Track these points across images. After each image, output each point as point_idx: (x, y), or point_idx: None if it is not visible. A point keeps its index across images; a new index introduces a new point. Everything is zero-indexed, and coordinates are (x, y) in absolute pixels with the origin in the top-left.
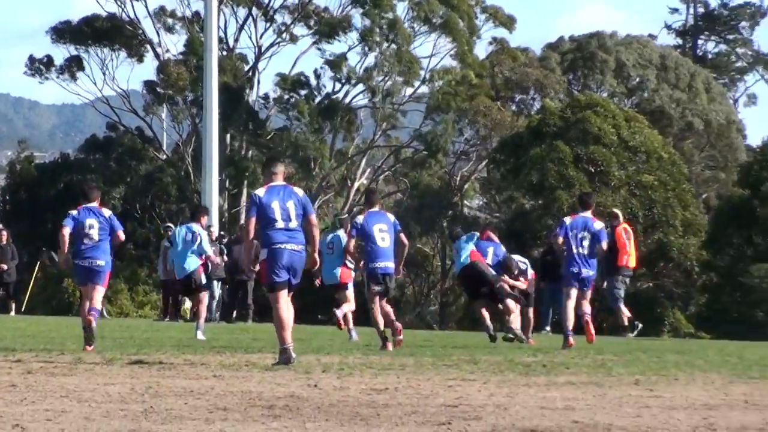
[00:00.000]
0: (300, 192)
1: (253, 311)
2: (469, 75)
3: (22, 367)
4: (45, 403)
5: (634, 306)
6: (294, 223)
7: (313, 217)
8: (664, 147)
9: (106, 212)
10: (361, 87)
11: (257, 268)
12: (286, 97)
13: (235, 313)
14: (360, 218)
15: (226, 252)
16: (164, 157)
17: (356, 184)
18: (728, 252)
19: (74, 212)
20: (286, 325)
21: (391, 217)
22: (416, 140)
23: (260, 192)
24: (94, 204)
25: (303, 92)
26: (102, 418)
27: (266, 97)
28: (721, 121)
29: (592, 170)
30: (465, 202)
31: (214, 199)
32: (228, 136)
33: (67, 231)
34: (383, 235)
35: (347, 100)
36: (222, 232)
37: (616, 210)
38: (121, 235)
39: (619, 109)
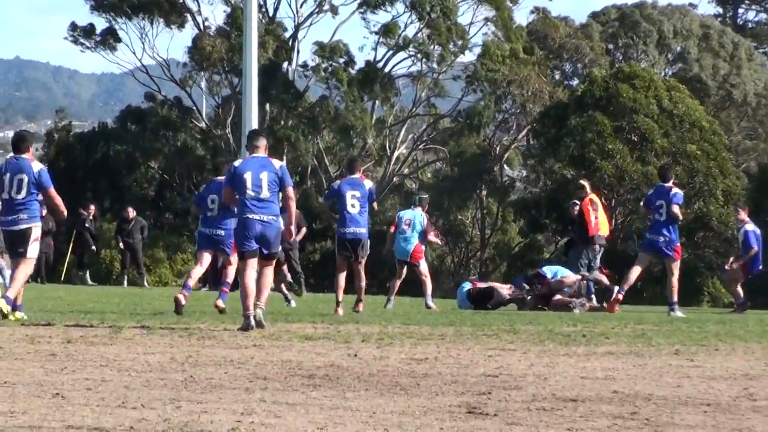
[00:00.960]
0: (278, 164)
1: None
2: (518, 49)
3: (62, 336)
4: (85, 372)
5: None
6: (266, 194)
7: (290, 190)
8: (705, 116)
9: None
10: (402, 55)
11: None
12: (325, 65)
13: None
14: (337, 182)
15: None
16: (203, 126)
17: (396, 153)
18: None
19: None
20: (250, 293)
21: (368, 184)
22: (457, 114)
23: (236, 162)
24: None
25: (342, 60)
26: (142, 388)
27: (305, 65)
28: (761, 91)
29: (635, 139)
30: (505, 170)
31: None
32: (267, 105)
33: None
34: (354, 201)
35: (387, 68)
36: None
37: (583, 182)
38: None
39: (662, 80)
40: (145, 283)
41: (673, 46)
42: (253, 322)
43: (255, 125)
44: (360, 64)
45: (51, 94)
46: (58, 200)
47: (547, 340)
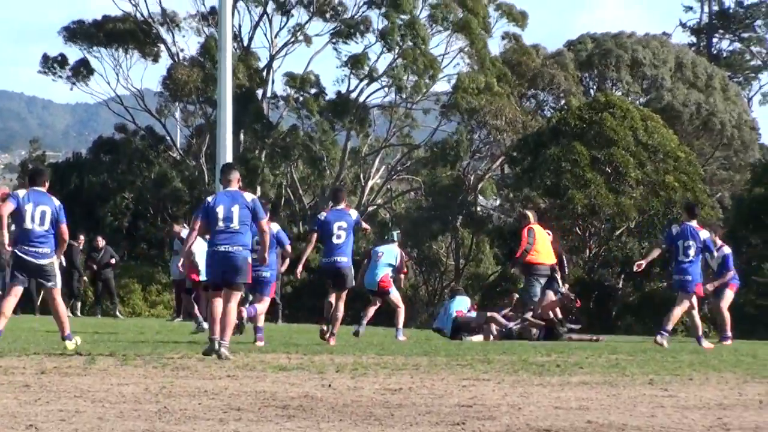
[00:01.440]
0: (249, 197)
1: (282, 309)
2: (492, 83)
3: (36, 367)
4: (59, 403)
5: (648, 307)
6: (235, 225)
7: (263, 223)
8: (680, 146)
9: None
10: (375, 86)
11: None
12: (296, 95)
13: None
14: (323, 214)
15: None
16: (177, 156)
17: (370, 183)
18: (742, 251)
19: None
20: (216, 319)
21: (354, 214)
22: (431, 145)
23: (210, 198)
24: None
25: (312, 91)
26: (116, 419)
27: (275, 96)
28: (734, 120)
29: (609, 171)
30: (479, 200)
31: None
32: (241, 135)
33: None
34: (340, 232)
35: (361, 98)
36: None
37: (526, 211)
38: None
39: (636, 108)
40: (118, 314)
41: (648, 73)
42: (217, 346)
43: (229, 155)
44: (333, 95)
45: (25, 124)
46: (66, 235)
47: (521, 369)
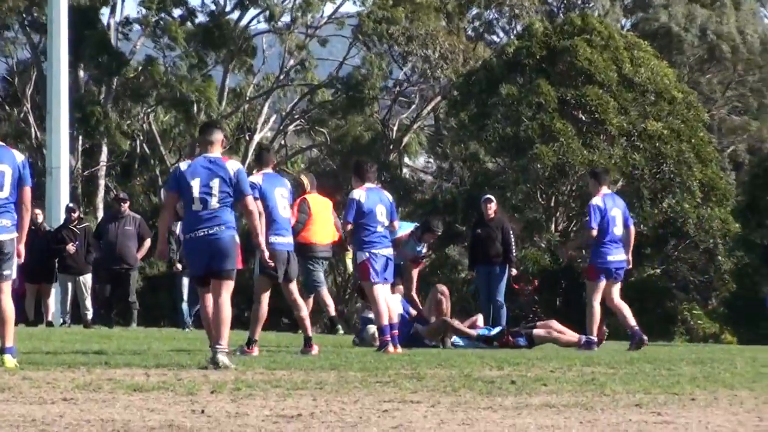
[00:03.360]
0: (233, 168)
1: (138, 311)
2: None
3: None
4: None
5: (638, 301)
6: (215, 204)
7: (249, 200)
8: (676, 84)
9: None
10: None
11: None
12: (154, 19)
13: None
14: (257, 178)
15: (93, 235)
16: None
17: (257, 137)
18: (766, 223)
19: None
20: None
21: (288, 183)
22: (336, 81)
23: (183, 165)
24: None
25: (178, 13)
26: None
27: (127, 20)
28: (752, 47)
29: (583, 118)
30: (406, 160)
31: (63, 159)
32: (80, 71)
33: None
34: (285, 203)
35: (243, 22)
36: (71, 205)
37: (303, 177)
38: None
39: (619, 33)
40: None
41: None
42: (212, 353)
43: (65, 98)
44: (204, 19)
45: None
46: (29, 202)
47: (463, 388)
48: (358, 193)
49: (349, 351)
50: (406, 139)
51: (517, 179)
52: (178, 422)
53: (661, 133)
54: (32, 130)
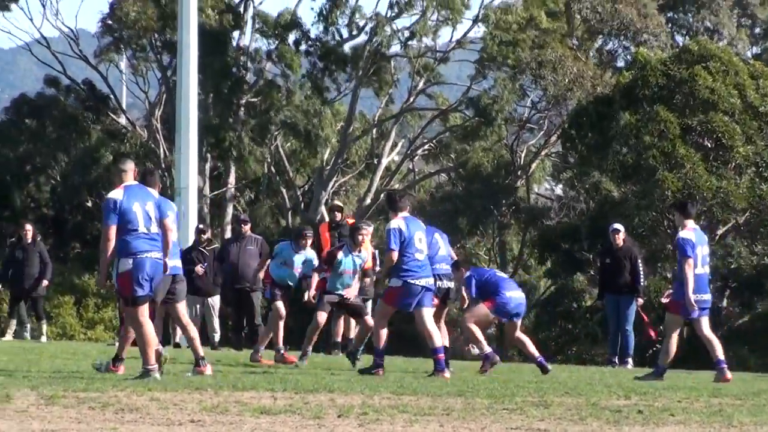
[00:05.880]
0: (155, 192)
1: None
2: (539, 16)
3: None
4: None
5: (763, 333)
6: (155, 229)
7: (168, 221)
8: None
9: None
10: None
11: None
12: (268, 47)
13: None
14: (400, 224)
15: (216, 258)
16: (123, 120)
17: (384, 161)
18: None
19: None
20: (151, 342)
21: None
22: (464, 104)
23: (117, 194)
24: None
25: (292, 37)
26: None
27: (240, 49)
28: None
29: (708, 144)
30: (533, 187)
31: (192, 179)
32: (210, 97)
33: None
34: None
35: (368, 47)
36: (201, 226)
37: (337, 202)
38: None
39: (743, 62)
40: (44, 336)
41: (760, 15)
42: (158, 376)
43: (194, 119)
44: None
45: None
46: None
47: (590, 416)
48: (397, 222)
49: (476, 377)
50: (533, 166)
51: (639, 205)
52: None
53: None
54: (160, 150)
